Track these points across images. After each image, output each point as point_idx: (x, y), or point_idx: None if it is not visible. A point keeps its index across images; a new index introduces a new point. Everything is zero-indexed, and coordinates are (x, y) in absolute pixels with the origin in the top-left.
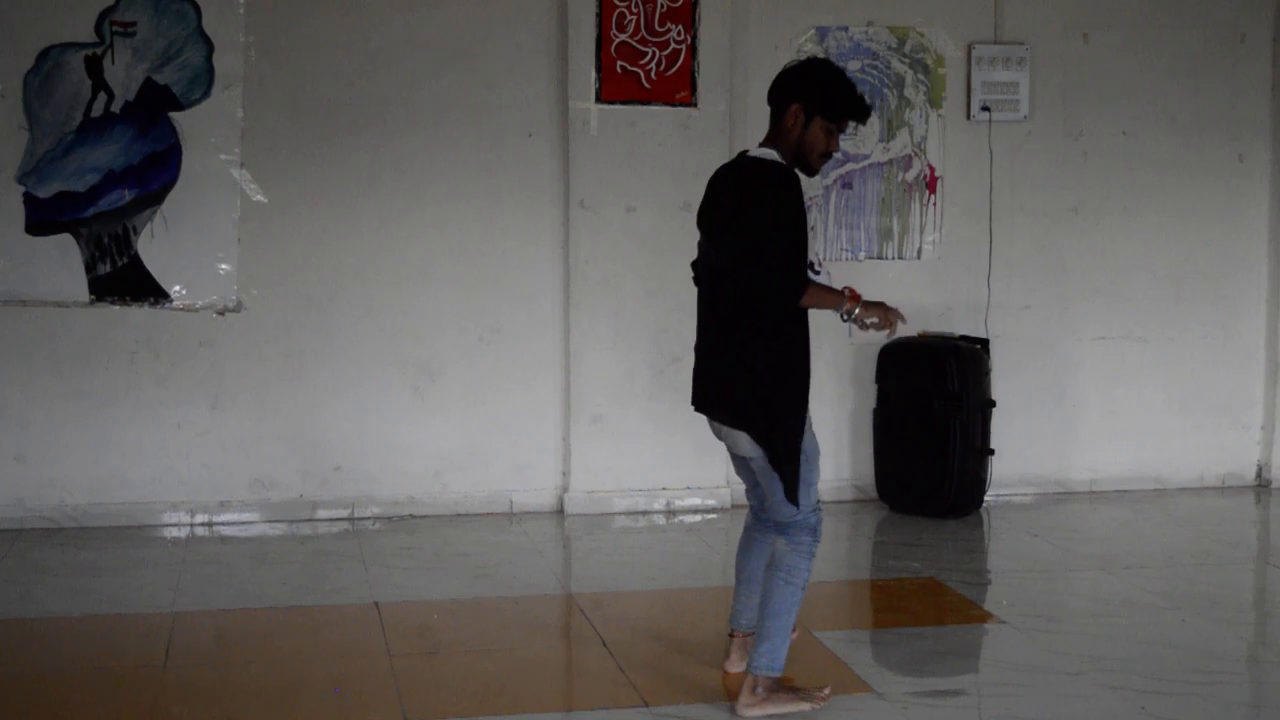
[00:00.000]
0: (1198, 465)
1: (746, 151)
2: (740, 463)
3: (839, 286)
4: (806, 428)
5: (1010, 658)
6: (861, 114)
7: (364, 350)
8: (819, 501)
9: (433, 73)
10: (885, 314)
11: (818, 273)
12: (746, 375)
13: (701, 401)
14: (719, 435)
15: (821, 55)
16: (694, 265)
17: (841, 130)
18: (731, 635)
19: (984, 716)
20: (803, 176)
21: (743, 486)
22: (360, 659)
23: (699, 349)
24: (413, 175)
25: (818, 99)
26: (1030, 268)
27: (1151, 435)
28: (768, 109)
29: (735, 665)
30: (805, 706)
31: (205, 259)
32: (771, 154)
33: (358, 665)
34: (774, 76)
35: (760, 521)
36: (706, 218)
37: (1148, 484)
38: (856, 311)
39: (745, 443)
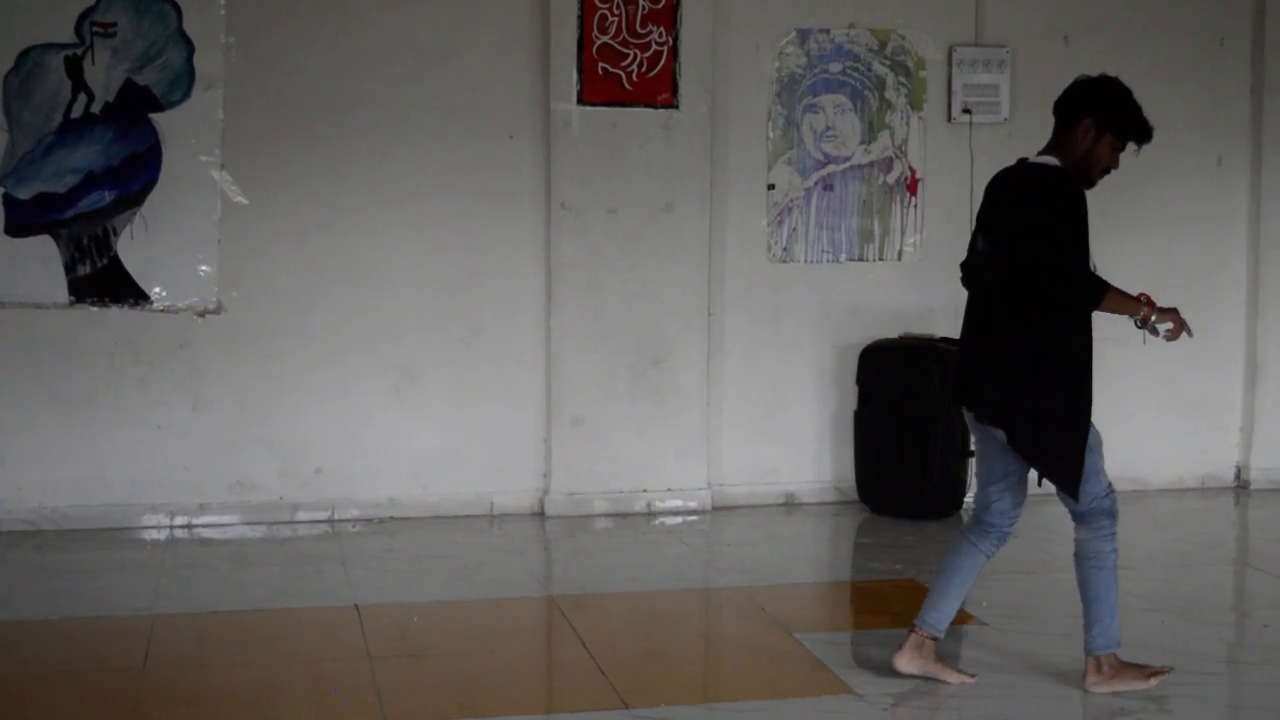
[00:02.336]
0: (1177, 467)
1: (1026, 159)
2: (984, 459)
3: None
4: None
5: (990, 658)
6: (1147, 137)
7: (345, 352)
8: (1110, 485)
9: (415, 74)
10: (1179, 320)
11: None
12: (1020, 381)
13: (969, 399)
14: (975, 429)
15: (803, 57)
16: (963, 267)
17: (1123, 149)
18: (910, 630)
19: (964, 717)
20: None
21: (724, 487)
22: (341, 661)
23: (966, 348)
24: (394, 177)
25: (1112, 118)
26: None
27: (1131, 437)
28: (749, 110)
29: (903, 660)
30: (1151, 683)
31: (185, 260)
32: (1054, 161)
33: (338, 668)
34: (752, 78)
35: (980, 524)
36: (988, 221)
37: (1127, 485)
38: (1153, 318)
39: (1000, 438)
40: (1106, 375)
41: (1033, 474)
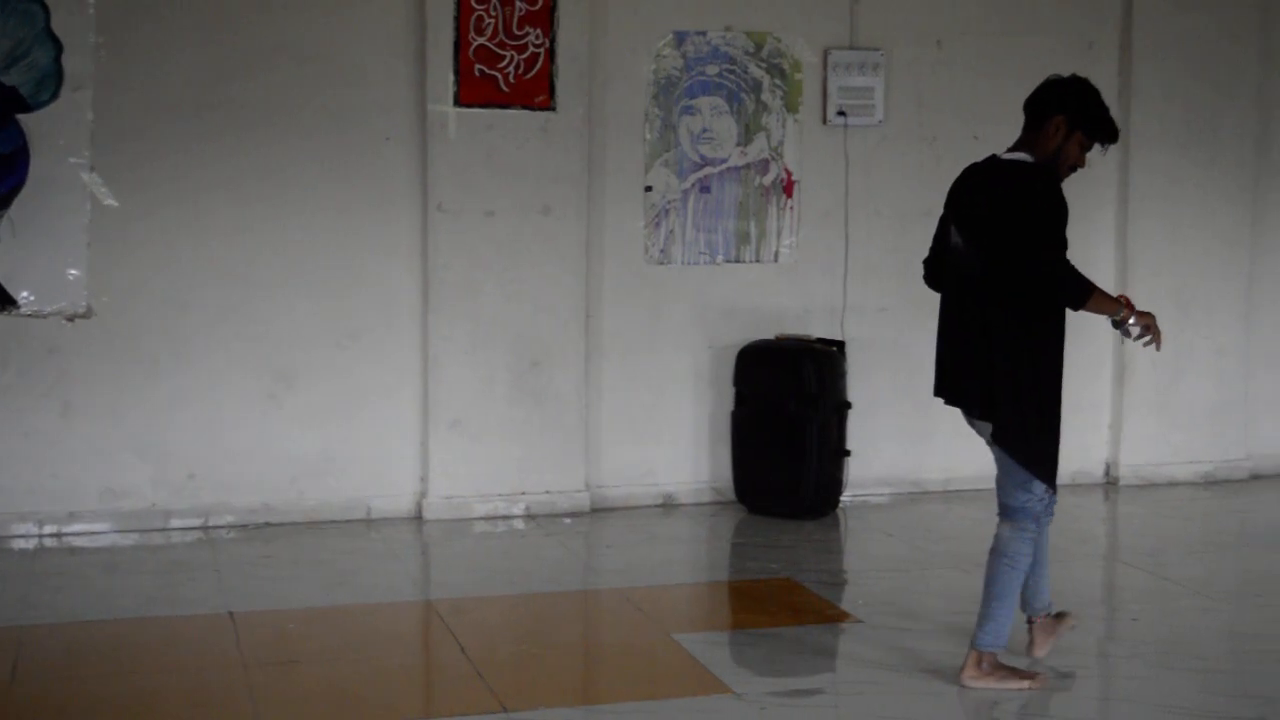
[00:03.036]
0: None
1: (996, 155)
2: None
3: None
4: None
5: (867, 656)
6: (1113, 137)
7: (219, 357)
8: (1049, 490)
9: (289, 75)
10: (1154, 326)
11: None
12: (1002, 373)
13: (950, 394)
14: (971, 424)
15: (679, 59)
16: (927, 264)
17: (1089, 149)
18: (1029, 622)
19: (841, 715)
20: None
21: (602, 489)
22: (214, 670)
23: (947, 345)
24: (268, 179)
25: (1083, 118)
26: (885, 270)
27: None
28: (626, 112)
29: (1039, 649)
30: (1024, 685)
31: (54, 264)
32: (1027, 158)
33: (212, 676)
34: (629, 80)
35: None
36: (964, 217)
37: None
38: (1131, 320)
39: (987, 431)
40: None
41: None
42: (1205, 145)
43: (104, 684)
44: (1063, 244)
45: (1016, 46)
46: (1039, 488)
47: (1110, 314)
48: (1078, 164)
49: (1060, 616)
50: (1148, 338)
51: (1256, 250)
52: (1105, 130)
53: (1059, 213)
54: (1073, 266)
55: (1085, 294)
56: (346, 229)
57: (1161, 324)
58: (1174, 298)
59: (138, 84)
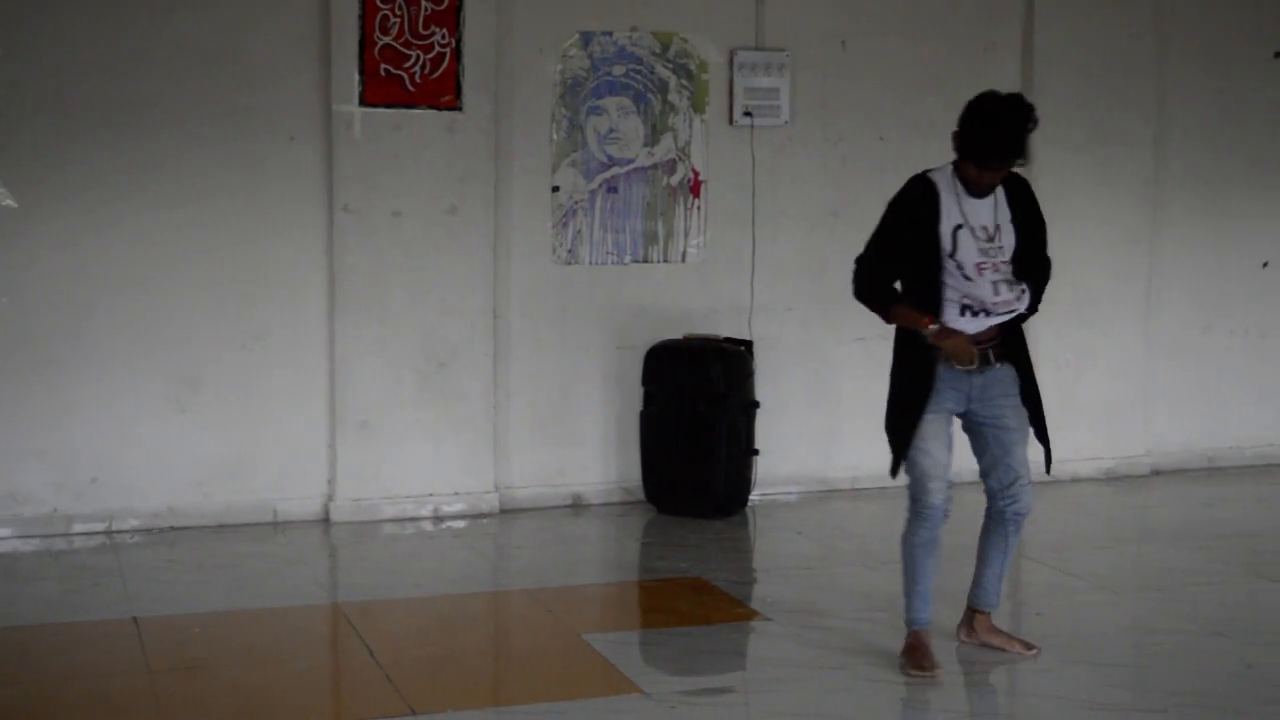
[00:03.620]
0: (953, 461)
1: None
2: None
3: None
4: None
5: (776, 654)
6: (979, 157)
7: (122, 359)
8: (924, 480)
9: (192, 74)
10: (955, 346)
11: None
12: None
13: None
14: None
15: (586, 60)
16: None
17: (992, 171)
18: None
19: (751, 713)
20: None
21: (511, 490)
22: (118, 676)
23: None
24: (172, 179)
25: (959, 140)
26: (792, 270)
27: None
28: (533, 112)
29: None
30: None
31: None
32: (941, 169)
33: (115, 683)
34: (536, 81)
35: (994, 502)
36: None
37: (901, 480)
38: (930, 332)
39: None
40: (885, 373)
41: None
42: (1105, 147)
43: (6, 692)
44: (873, 249)
45: (920, 48)
46: (911, 475)
47: (915, 328)
48: (975, 180)
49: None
50: (959, 360)
51: (1155, 250)
52: (971, 150)
53: (886, 219)
54: (862, 272)
55: (861, 298)
56: (252, 230)
57: (1062, 325)
58: (1075, 298)
59: (37, 83)
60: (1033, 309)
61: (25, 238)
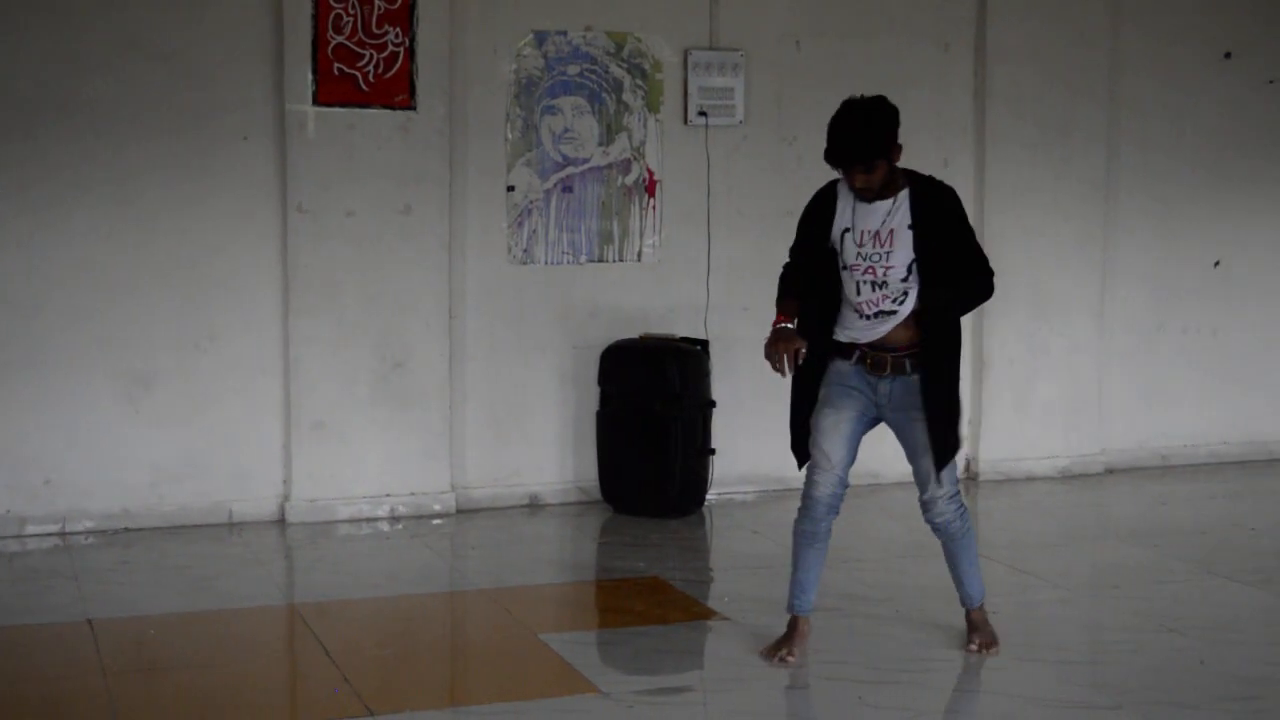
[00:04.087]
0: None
1: None
2: None
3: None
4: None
5: (733, 653)
6: (832, 159)
7: (74, 359)
8: (811, 469)
9: (143, 73)
10: (769, 347)
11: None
12: None
13: None
14: None
15: (540, 59)
16: None
17: (856, 173)
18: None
19: (709, 712)
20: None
21: (468, 490)
22: (73, 679)
23: None
24: (123, 177)
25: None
26: (748, 269)
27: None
28: (487, 112)
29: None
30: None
31: None
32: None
33: (70, 685)
34: (490, 80)
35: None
36: None
37: (864, 479)
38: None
39: None
40: None
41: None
42: (1058, 145)
43: None
44: (795, 247)
45: (874, 48)
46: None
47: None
48: (854, 185)
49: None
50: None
51: (1109, 249)
52: (827, 154)
53: (801, 218)
54: (786, 270)
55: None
56: (204, 230)
57: (1018, 323)
58: (1029, 296)
59: None
60: (948, 309)
61: None
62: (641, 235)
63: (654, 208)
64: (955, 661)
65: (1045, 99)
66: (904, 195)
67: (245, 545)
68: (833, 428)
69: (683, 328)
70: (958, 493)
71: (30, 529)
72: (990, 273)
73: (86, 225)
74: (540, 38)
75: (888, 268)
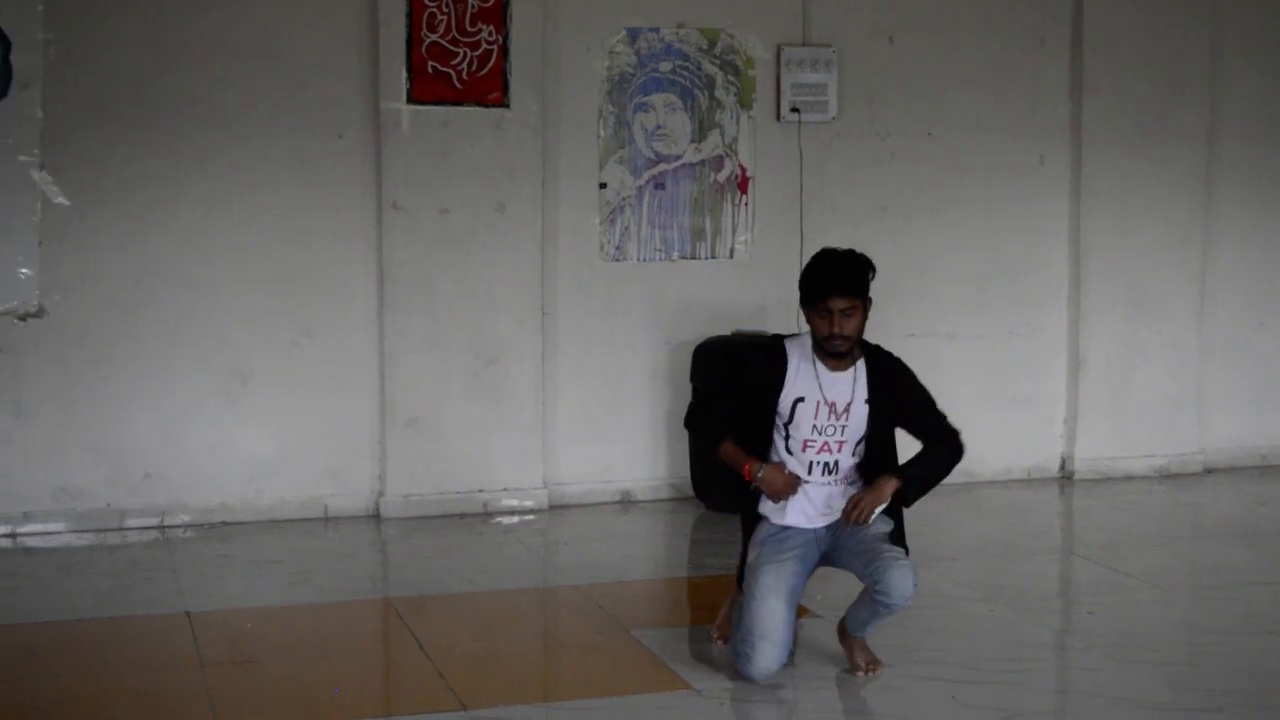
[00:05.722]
0: (1004, 458)
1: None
2: None
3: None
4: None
5: (826, 651)
6: (821, 290)
7: (173, 355)
8: (751, 626)
9: (240, 72)
10: (770, 479)
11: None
12: None
13: None
14: None
15: (633, 56)
16: None
17: (835, 310)
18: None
19: (801, 711)
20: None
21: (560, 486)
22: (171, 670)
23: None
24: (220, 176)
25: (801, 292)
26: None
27: (961, 430)
28: (580, 109)
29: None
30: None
31: (5, 263)
32: (797, 337)
33: (169, 677)
34: (583, 77)
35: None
36: None
37: (957, 477)
38: (759, 475)
39: None
40: (936, 370)
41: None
42: (1156, 141)
43: (60, 685)
44: (720, 414)
45: (968, 43)
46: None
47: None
48: (833, 332)
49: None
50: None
51: (1208, 245)
52: (810, 290)
53: (725, 378)
54: (697, 407)
55: (689, 426)
56: (299, 227)
57: (1115, 321)
58: (1127, 293)
59: (87, 81)
60: (927, 486)
61: (77, 237)
62: (734, 232)
63: (746, 204)
64: (1050, 662)
65: (1143, 94)
66: (860, 365)
67: (340, 540)
68: (779, 585)
69: (775, 324)
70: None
71: (130, 522)
72: (957, 433)
73: (186, 225)
74: (633, 34)
75: (840, 442)
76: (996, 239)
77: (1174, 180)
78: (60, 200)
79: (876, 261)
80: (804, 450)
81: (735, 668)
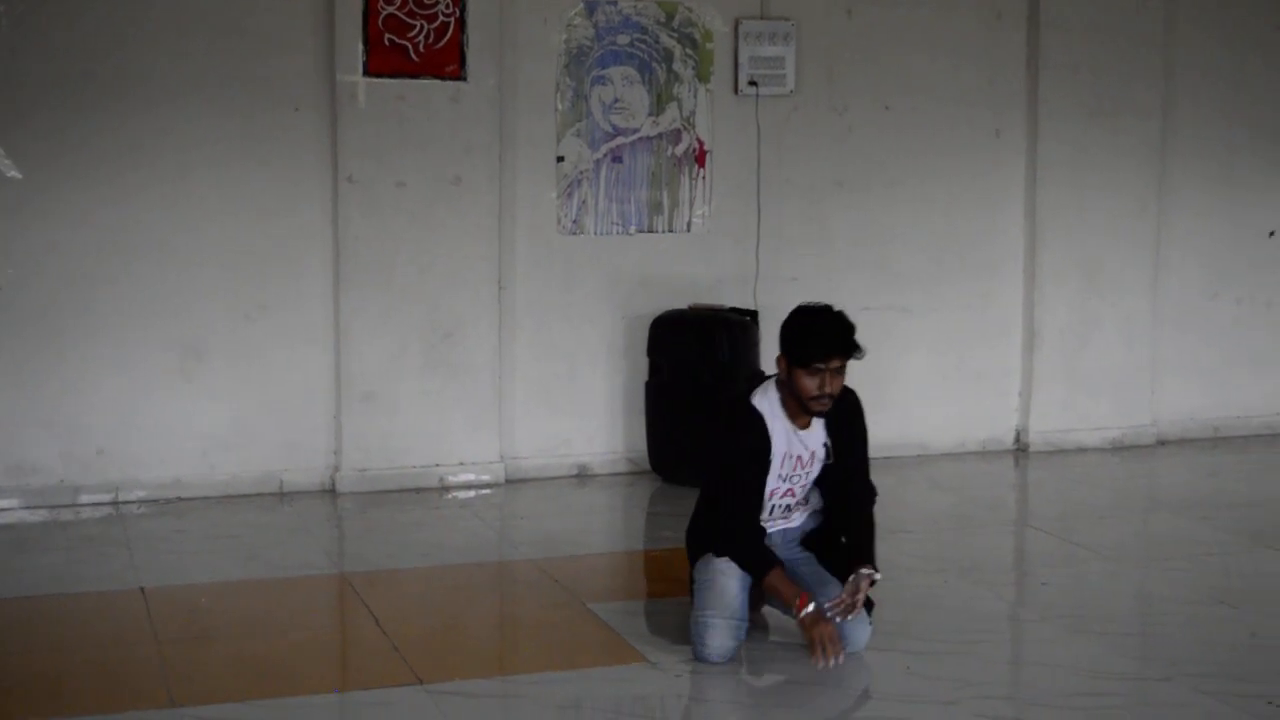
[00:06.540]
0: (959, 431)
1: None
2: None
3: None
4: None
5: (782, 623)
6: (822, 351)
7: (127, 330)
8: (703, 632)
9: (195, 45)
10: (823, 636)
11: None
12: None
13: None
14: None
15: (591, 29)
16: None
17: (830, 368)
18: None
19: (759, 683)
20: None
21: (517, 460)
22: (126, 646)
23: None
24: (175, 150)
25: (789, 350)
26: (797, 240)
27: (915, 403)
28: (537, 82)
29: None
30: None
31: None
32: (764, 394)
33: (123, 653)
34: (540, 50)
35: None
36: None
37: (912, 450)
38: (802, 616)
39: None
40: (892, 343)
41: None
42: (1112, 114)
43: (14, 662)
44: (744, 492)
45: (925, 16)
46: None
47: (787, 604)
48: (818, 394)
49: None
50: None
51: (1163, 216)
52: (807, 351)
53: (727, 449)
54: (746, 531)
55: (761, 570)
56: (255, 200)
57: (1070, 293)
58: (1081, 266)
59: (40, 54)
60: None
61: (30, 210)
62: (691, 205)
63: (704, 178)
64: (1004, 633)
65: (1099, 67)
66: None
67: (296, 515)
68: (724, 571)
69: (732, 298)
70: None
71: (84, 498)
72: (874, 491)
73: (141, 200)
74: (590, 7)
75: (803, 485)
76: (952, 212)
77: (1129, 152)
78: (13, 174)
79: (834, 234)
80: (769, 498)
81: (692, 653)
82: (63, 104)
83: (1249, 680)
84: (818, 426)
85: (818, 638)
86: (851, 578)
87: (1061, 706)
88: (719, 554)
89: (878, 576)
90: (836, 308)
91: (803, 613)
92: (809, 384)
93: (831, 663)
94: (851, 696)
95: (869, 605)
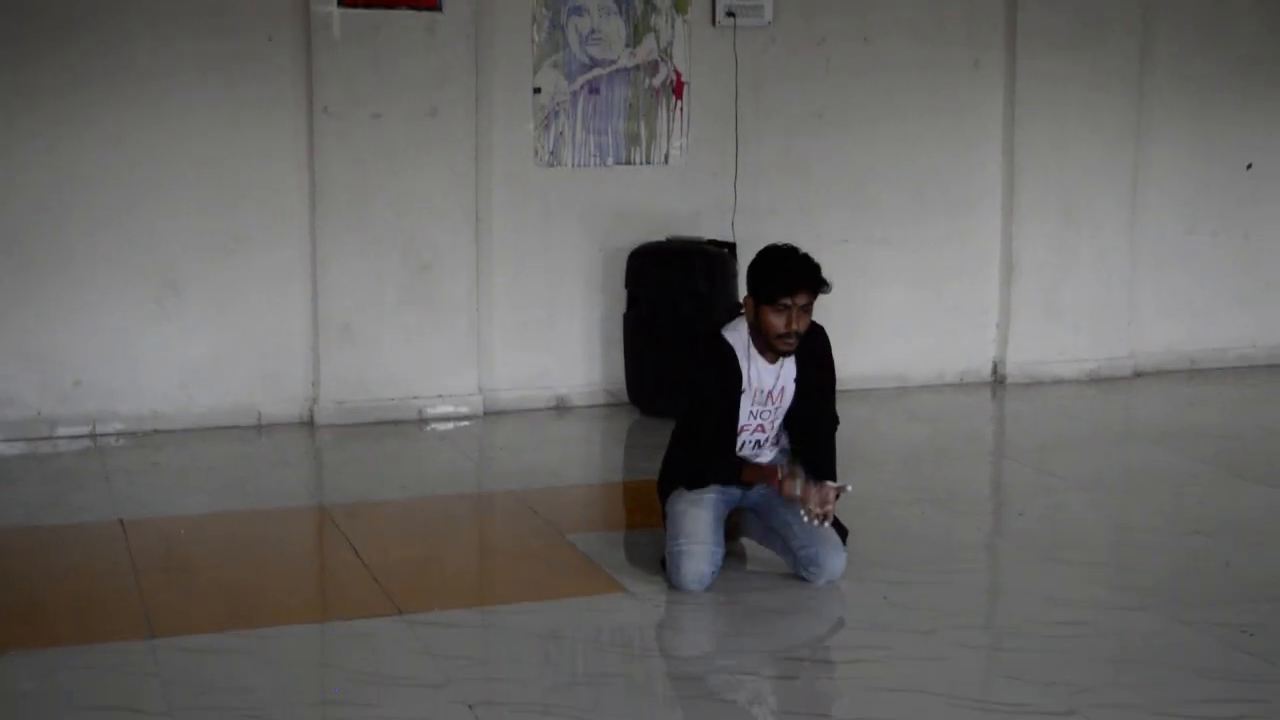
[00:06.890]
0: (937, 363)
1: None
2: None
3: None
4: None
5: (759, 554)
6: (788, 287)
7: (103, 262)
8: (678, 560)
9: None
10: (820, 496)
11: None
12: None
13: None
14: None
15: None
16: None
17: (796, 305)
18: None
19: (735, 611)
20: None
21: (495, 392)
22: (105, 577)
23: None
24: (148, 79)
25: (755, 289)
26: (775, 172)
27: (893, 336)
28: (513, 13)
29: None
30: None
31: None
32: (735, 329)
33: (102, 584)
34: None
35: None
36: None
37: (890, 382)
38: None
39: None
40: (870, 276)
41: None
42: (1090, 48)
43: None
44: (719, 426)
45: None
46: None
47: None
48: (785, 332)
49: None
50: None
51: (1140, 151)
52: (775, 287)
53: (696, 402)
54: (700, 456)
55: (734, 474)
56: (230, 131)
57: (1047, 227)
58: (1059, 201)
59: None
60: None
61: (2, 142)
62: (669, 137)
63: (681, 110)
64: (981, 562)
65: (1077, 2)
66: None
67: (274, 447)
68: (696, 501)
69: (710, 230)
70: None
71: (61, 430)
72: (837, 421)
73: (113, 129)
74: None
75: (773, 421)
76: (931, 145)
77: (1107, 87)
78: None
79: (812, 166)
80: (740, 433)
81: (669, 582)
82: (30, 33)
83: (1224, 608)
84: (788, 363)
85: (807, 500)
86: (817, 486)
87: (1038, 635)
88: (692, 487)
89: (849, 489)
90: (803, 250)
91: (788, 486)
92: (776, 321)
93: (820, 519)
94: (828, 624)
95: (843, 532)
